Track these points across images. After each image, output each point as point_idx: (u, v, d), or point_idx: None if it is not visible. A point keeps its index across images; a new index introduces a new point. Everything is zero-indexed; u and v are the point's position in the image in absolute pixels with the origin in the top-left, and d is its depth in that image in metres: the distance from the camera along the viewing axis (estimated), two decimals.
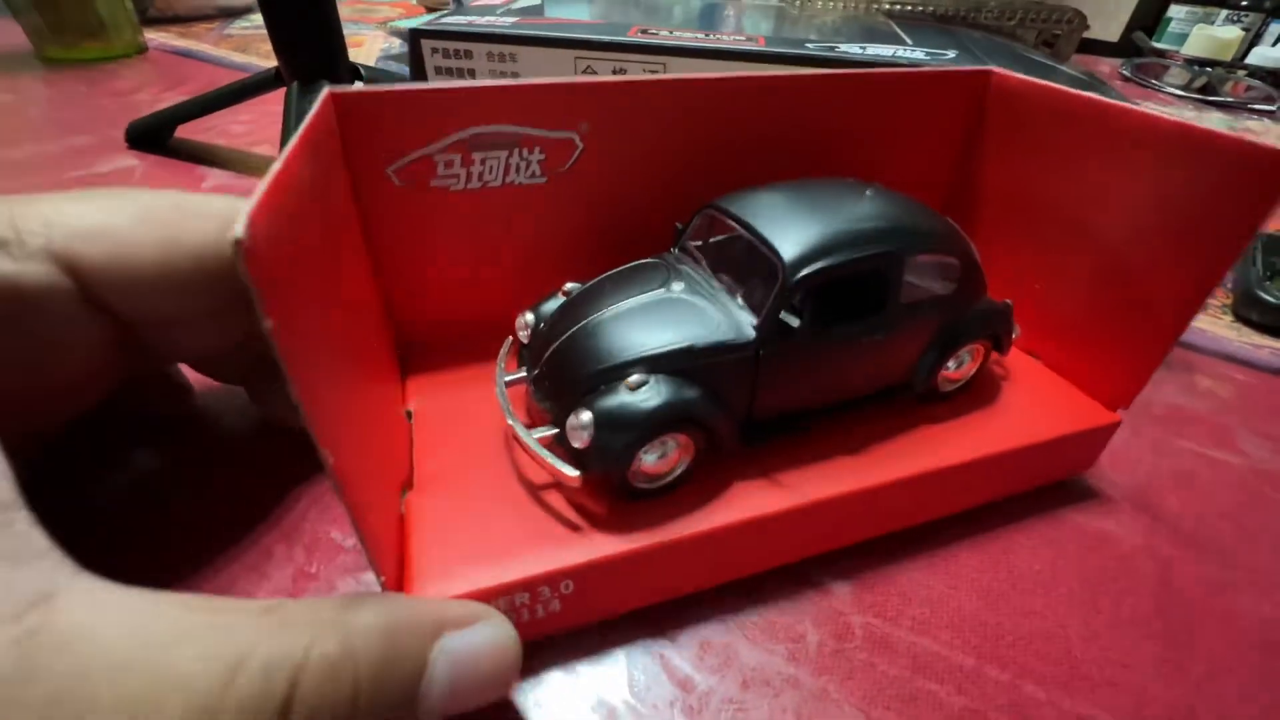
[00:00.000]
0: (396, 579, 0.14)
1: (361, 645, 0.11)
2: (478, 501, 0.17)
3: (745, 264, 0.18)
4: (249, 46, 0.69)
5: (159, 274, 0.15)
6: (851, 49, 0.25)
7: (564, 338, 0.18)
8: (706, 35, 0.26)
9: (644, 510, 0.17)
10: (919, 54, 0.25)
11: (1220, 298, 0.35)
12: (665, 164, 0.22)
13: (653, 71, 0.25)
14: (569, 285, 0.20)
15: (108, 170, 0.40)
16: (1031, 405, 0.21)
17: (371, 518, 0.13)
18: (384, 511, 0.15)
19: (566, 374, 0.17)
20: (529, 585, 0.15)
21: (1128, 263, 0.20)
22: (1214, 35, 0.81)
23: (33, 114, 0.48)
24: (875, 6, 0.34)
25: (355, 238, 0.18)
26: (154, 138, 0.43)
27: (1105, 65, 0.90)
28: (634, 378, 0.16)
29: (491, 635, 0.13)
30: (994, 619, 0.18)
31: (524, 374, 0.19)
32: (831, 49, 0.25)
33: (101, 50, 0.62)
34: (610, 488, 0.17)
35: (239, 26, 0.77)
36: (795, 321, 0.17)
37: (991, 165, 0.24)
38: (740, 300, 0.18)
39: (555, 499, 0.17)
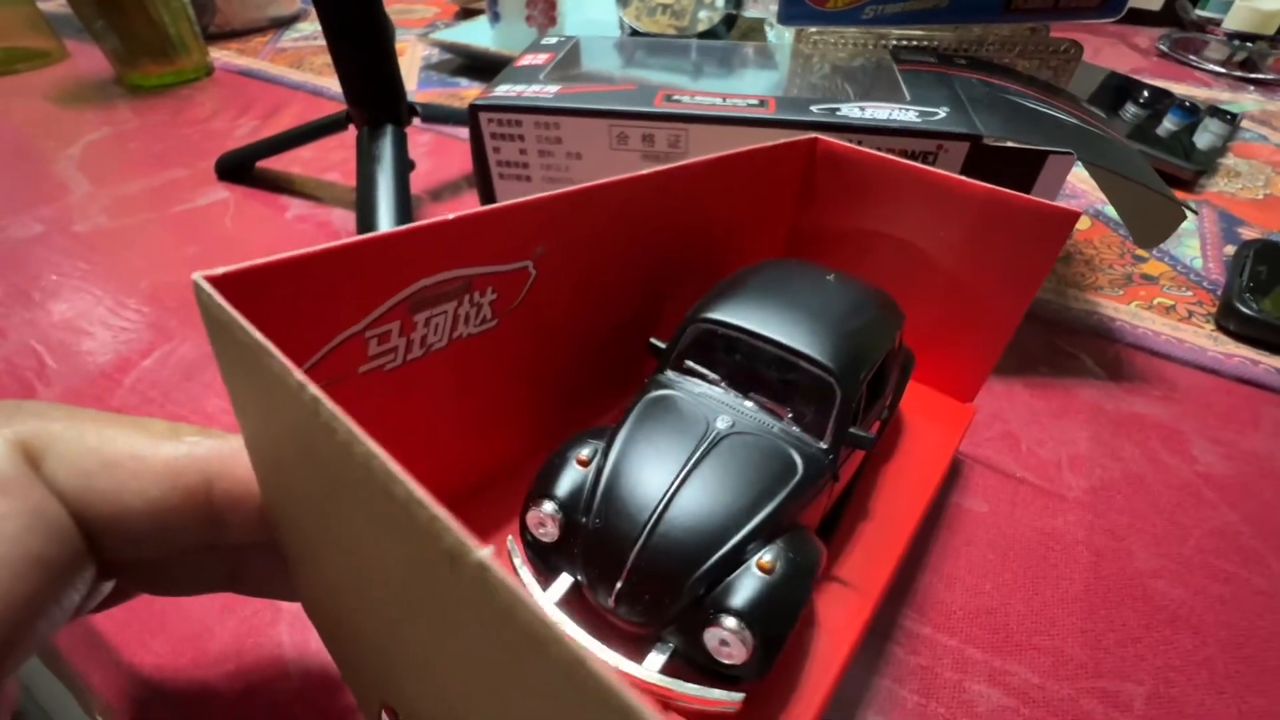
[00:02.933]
0: None
1: None
2: None
3: (779, 380, 0.18)
4: (302, 61, 0.74)
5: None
6: (852, 111, 0.29)
7: (645, 535, 0.15)
8: (724, 99, 0.30)
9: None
10: (911, 115, 0.28)
11: (1206, 305, 0.38)
12: (609, 274, 0.21)
13: (676, 136, 0.29)
14: (584, 451, 0.17)
15: (205, 203, 0.46)
16: (916, 420, 0.25)
17: None
18: None
19: (666, 578, 0.14)
20: None
21: (962, 288, 0.24)
22: (1256, 8, 0.79)
23: (131, 148, 0.54)
24: (882, 44, 0.37)
25: None
26: (240, 170, 0.49)
27: (1143, 38, 0.88)
28: (766, 557, 0.14)
29: None
30: (949, 597, 0.22)
31: (564, 579, 0.16)
32: (834, 110, 0.29)
33: (174, 75, 0.68)
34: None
35: (289, 39, 0.82)
36: (866, 434, 0.16)
37: (827, 212, 0.27)
38: (791, 421, 0.17)
39: None
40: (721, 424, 0.17)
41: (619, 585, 0.15)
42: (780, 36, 0.40)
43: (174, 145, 0.55)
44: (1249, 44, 0.78)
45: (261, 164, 0.50)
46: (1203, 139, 0.55)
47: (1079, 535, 0.25)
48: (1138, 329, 0.35)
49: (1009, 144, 0.27)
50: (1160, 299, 0.38)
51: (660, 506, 0.15)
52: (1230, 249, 0.43)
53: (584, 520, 0.15)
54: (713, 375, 0.18)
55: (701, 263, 0.25)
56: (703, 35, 0.62)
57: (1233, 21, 0.82)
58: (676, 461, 0.16)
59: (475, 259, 0.16)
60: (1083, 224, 0.45)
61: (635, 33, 0.63)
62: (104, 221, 0.44)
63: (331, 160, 0.51)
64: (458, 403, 0.18)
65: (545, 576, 0.16)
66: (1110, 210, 0.47)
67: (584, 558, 0.15)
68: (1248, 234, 0.44)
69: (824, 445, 0.16)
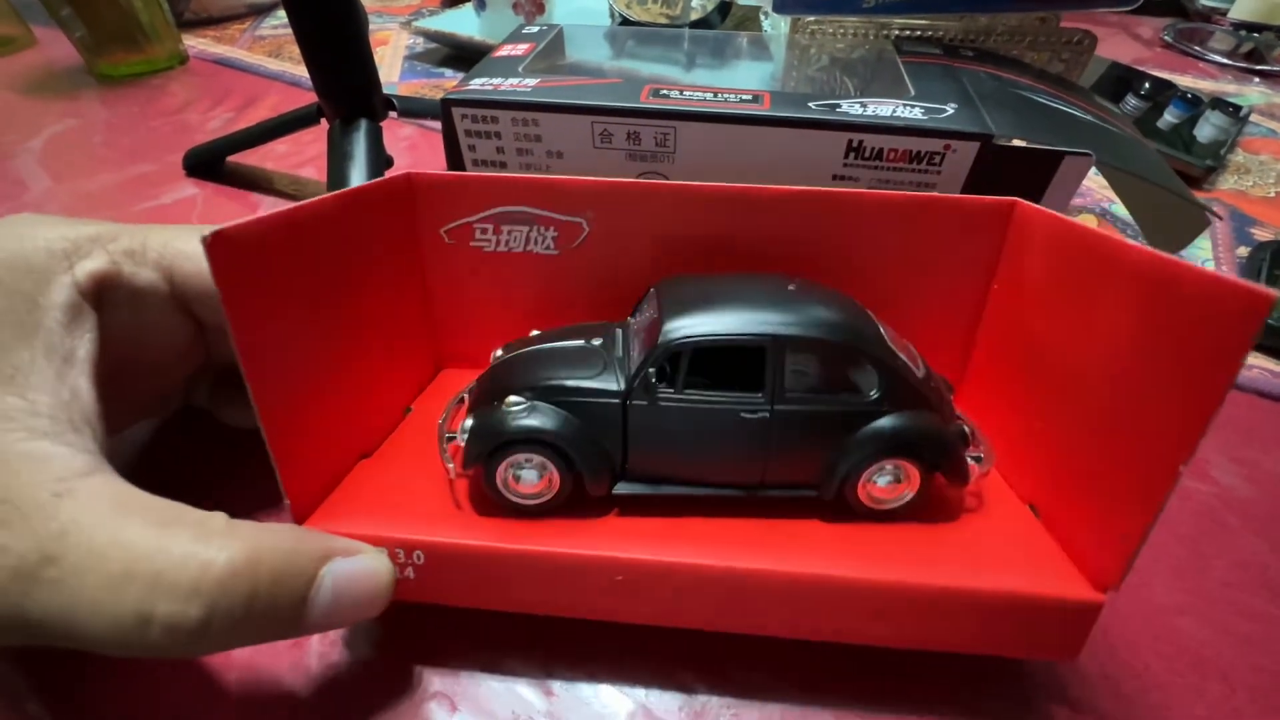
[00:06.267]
0: (304, 512, 0.18)
1: (267, 557, 0.15)
2: (407, 479, 0.21)
3: (648, 335, 0.20)
4: (281, 50, 0.71)
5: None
6: (853, 108, 0.27)
7: (494, 366, 0.22)
8: (715, 95, 0.28)
9: (513, 526, 0.19)
10: (916, 111, 0.26)
11: None
12: (658, 252, 0.25)
13: (664, 134, 0.27)
14: (534, 333, 0.24)
15: (171, 201, 0.44)
16: (994, 556, 0.18)
17: (293, 462, 0.17)
18: (313, 460, 0.19)
19: (483, 392, 0.21)
20: (390, 544, 0.18)
21: (1114, 411, 0.17)
22: None
23: (97, 141, 0.52)
24: (883, 34, 0.35)
25: (413, 276, 0.25)
26: (209, 166, 0.46)
27: (1147, 28, 0.86)
28: (512, 398, 0.19)
29: (370, 564, 0.17)
30: None
31: None
32: (834, 107, 0.27)
33: (146, 64, 0.65)
34: (492, 494, 0.19)
35: (269, 26, 0.79)
36: (652, 374, 0.19)
37: (1009, 302, 0.23)
38: (632, 364, 0.20)
39: (460, 494, 0.20)
40: (595, 342, 0.22)
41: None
42: (776, 26, 0.37)
43: (142, 138, 0.52)
44: (1256, 34, 0.76)
45: (233, 159, 0.47)
46: (1203, 131, 0.53)
47: None
48: None
49: (1021, 143, 0.25)
50: None
51: (510, 357, 0.22)
52: (1243, 250, 0.41)
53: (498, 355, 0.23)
54: (630, 324, 0.23)
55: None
56: (695, 24, 0.60)
57: (1240, 11, 0.80)
58: (548, 345, 0.22)
59: (539, 205, 0.24)
60: (1089, 224, 0.43)
61: (626, 21, 0.61)
62: None
63: (307, 155, 0.49)
64: (521, 290, 0.26)
65: None
66: (1118, 209, 0.45)
67: None
68: (1260, 234, 0.43)
69: (622, 381, 0.20)
